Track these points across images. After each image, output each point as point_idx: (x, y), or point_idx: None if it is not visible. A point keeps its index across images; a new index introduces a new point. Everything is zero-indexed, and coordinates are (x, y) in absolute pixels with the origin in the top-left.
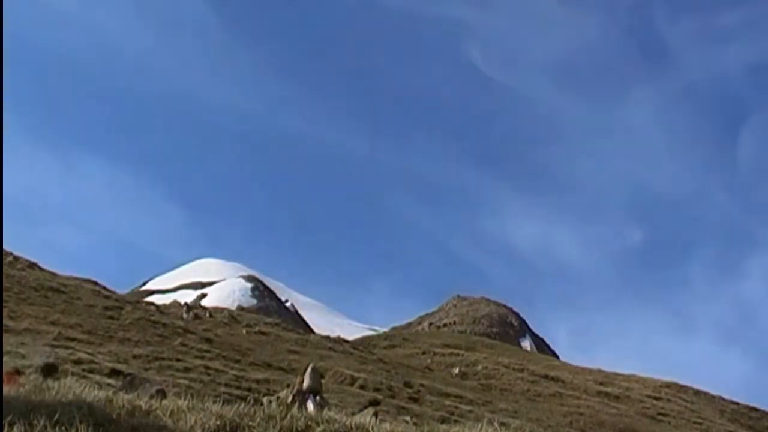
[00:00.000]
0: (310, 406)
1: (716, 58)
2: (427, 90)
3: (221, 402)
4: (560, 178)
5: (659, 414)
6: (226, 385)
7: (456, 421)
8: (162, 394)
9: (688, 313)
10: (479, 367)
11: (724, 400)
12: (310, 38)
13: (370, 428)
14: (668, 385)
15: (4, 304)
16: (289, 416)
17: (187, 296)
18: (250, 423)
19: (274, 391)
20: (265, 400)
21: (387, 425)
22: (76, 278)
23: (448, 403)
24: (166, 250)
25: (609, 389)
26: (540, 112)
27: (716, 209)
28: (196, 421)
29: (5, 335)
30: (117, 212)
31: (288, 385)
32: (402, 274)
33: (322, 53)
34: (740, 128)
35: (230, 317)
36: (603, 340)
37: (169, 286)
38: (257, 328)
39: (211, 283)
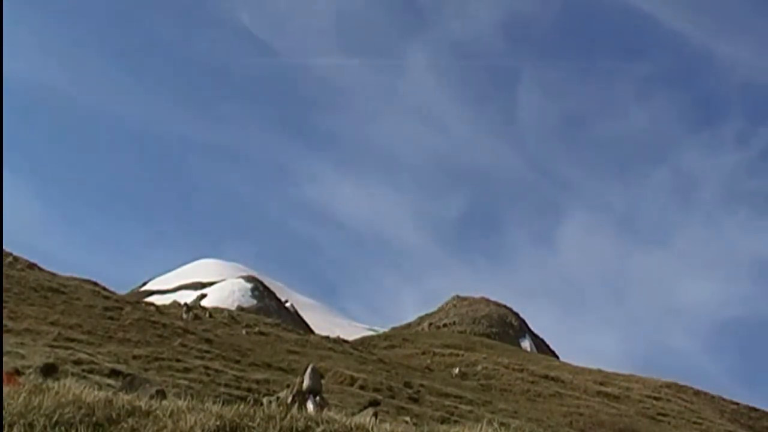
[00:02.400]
0: (310, 406)
1: (472, 13)
2: (209, 57)
3: (221, 402)
4: (352, 145)
5: (659, 414)
6: (225, 385)
7: (456, 421)
8: (162, 394)
9: (510, 279)
10: (479, 368)
11: (724, 400)
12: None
13: (370, 428)
14: (668, 385)
15: (4, 304)
16: (289, 416)
17: (187, 296)
18: (250, 423)
19: (274, 392)
20: (265, 400)
21: (387, 425)
22: (75, 278)
23: (447, 403)
24: None
25: (609, 389)
26: (318, 77)
27: (511, 172)
28: (195, 422)
29: (5, 335)
30: None
31: (288, 386)
32: (227, 245)
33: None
34: (515, 86)
35: (230, 317)
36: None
37: (168, 287)
38: (257, 329)
39: (210, 284)
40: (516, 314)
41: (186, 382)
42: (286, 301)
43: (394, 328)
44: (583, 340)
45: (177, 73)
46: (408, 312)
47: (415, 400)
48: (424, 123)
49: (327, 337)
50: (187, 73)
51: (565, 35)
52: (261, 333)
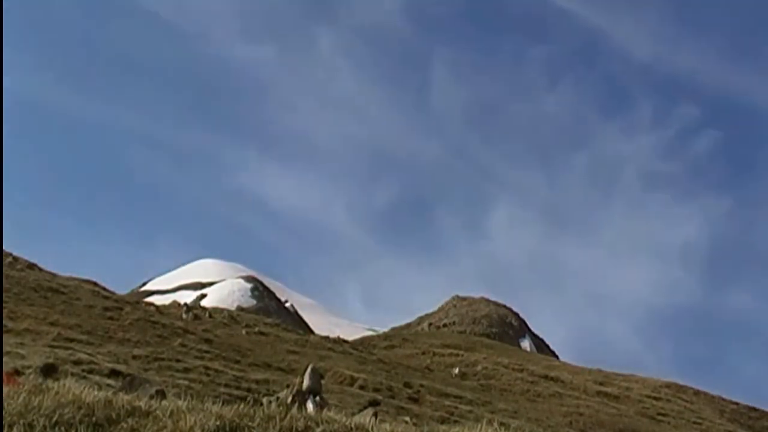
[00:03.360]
0: (310, 406)
1: None
2: (121, 43)
3: (221, 402)
4: (276, 134)
5: (659, 414)
6: (225, 385)
7: (456, 421)
8: (161, 394)
9: (446, 269)
10: (479, 368)
11: (723, 400)
12: None
13: (369, 428)
14: (668, 385)
15: (4, 304)
16: (288, 417)
17: (187, 297)
18: (250, 423)
19: (274, 392)
20: (264, 400)
21: (387, 425)
22: (75, 279)
23: (447, 403)
24: None
25: (608, 389)
26: (233, 64)
27: (433, 159)
28: (195, 422)
29: (5, 335)
30: None
31: (288, 386)
32: (165, 238)
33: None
34: (427, 70)
35: (230, 318)
36: (369, 298)
37: (168, 287)
38: (257, 329)
39: (210, 284)
40: (516, 314)
41: (186, 382)
42: (286, 301)
43: (393, 328)
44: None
45: (90, 61)
46: (348, 299)
47: (415, 400)
48: (341, 110)
49: (327, 337)
50: (97, 61)
51: (472, 17)
52: (261, 333)
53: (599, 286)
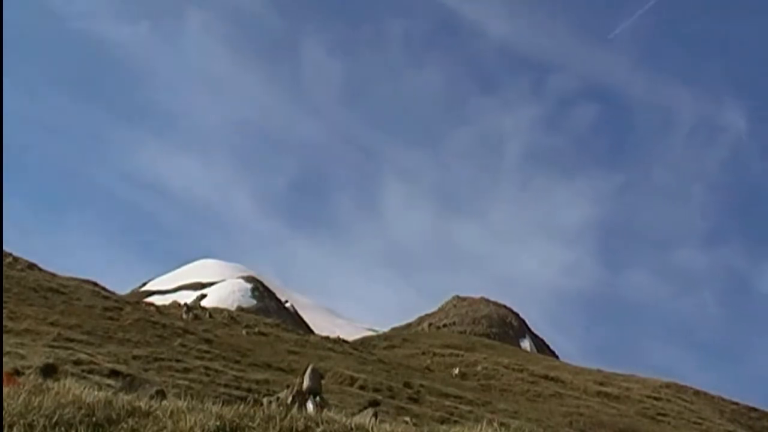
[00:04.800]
0: (310, 406)
1: None
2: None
3: (221, 403)
4: (164, 117)
5: (659, 414)
6: (225, 385)
7: (456, 421)
8: (161, 394)
9: (348, 251)
10: (479, 368)
11: (723, 400)
12: None
13: (369, 429)
14: (668, 385)
15: (4, 304)
16: (288, 417)
17: (187, 297)
18: (250, 424)
19: (274, 392)
20: (264, 400)
21: (387, 426)
22: (75, 279)
23: (447, 403)
24: None
25: (609, 389)
26: (111, 45)
27: (317, 140)
28: (195, 422)
29: (5, 336)
30: None
31: (288, 386)
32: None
33: None
34: (297, 49)
35: (230, 318)
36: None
37: (168, 287)
38: (257, 329)
39: (210, 284)
40: (516, 314)
41: (186, 383)
42: (286, 302)
43: (393, 329)
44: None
45: None
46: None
47: (415, 401)
48: (223, 92)
49: (327, 338)
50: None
51: None
52: (261, 333)
53: (499, 269)
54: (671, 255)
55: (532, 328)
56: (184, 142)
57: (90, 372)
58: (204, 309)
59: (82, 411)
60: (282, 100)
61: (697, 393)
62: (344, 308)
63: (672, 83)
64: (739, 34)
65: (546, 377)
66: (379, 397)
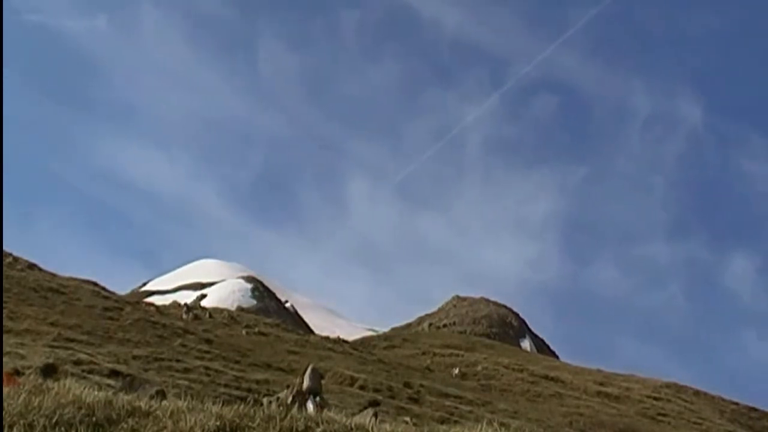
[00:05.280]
0: (310, 406)
1: None
2: None
3: (221, 403)
4: (129, 112)
5: (659, 414)
6: (225, 385)
7: (456, 421)
8: (162, 394)
9: (317, 245)
10: (479, 368)
11: (723, 400)
12: None
13: (370, 429)
14: (668, 385)
15: (4, 304)
16: (288, 417)
17: (187, 297)
18: (250, 424)
19: (274, 392)
20: (264, 400)
21: (387, 426)
22: (75, 279)
23: (447, 403)
24: None
25: (609, 389)
26: (67, 39)
27: (280, 134)
28: (195, 422)
29: (5, 336)
30: None
31: (288, 386)
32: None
33: None
34: (253, 43)
35: (230, 318)
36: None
37: (168, 287)
38: (257, 329)
39: (210, 284)
40: (516, 314)
41: (186, 383)
42: (286, 302)
43: (393, 329)
44: (396, 308)
45: None
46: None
47: (415, 401)
48: (183, 86)
49: (327, 338)
50: None
51: None
52: (261, 333)
53: (467, 264)
54: (637, 248)
55: (532, 329)
56: (146, 137)
57: (90, 372)
58: (204, 309)
59: (82, 411)
60: (242, 95)
61: (697, 393)
62: (325, 303)
63: (626, 75)
64: (693, 26)
65: (546, 377)
66: (379, 397)
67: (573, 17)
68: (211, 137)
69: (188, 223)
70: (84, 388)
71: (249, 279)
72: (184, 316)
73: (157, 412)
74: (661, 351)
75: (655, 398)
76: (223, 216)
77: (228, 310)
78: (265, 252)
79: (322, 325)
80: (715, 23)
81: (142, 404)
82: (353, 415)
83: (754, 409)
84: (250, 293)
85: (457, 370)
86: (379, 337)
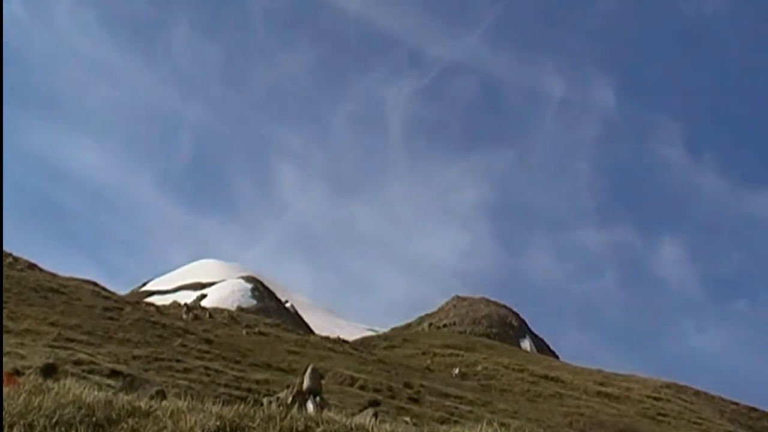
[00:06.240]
0: (310, 406)
1: None
2: None
3: (221, 403)
4: (50, 98)
5: (659, 414)
6: (225, 385)
7: (456, 421)
8: (162, 394)
9: (247, 223)
10: (479, 368)
11: (724, 400)
12: None
13: (370, 429)
14: (668, 385)
15: (4, 304)
16: (288, 417)
17: (187, 297)
18: (250, 424)
19: (274, 392)
20: (264, 400)
21: (387, 426)
22: (75, 279)
23: (448, 403)
24: None
25: (609, 389)
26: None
27: (202, 122)
28: (195, 422)
29: (5, 335)
30: None
31: (288, 386)
32: None
33: None
34: (167, 31)
35: (230, 318)
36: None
37: (168, 287)
38: (257, 329)
39: (210, 284)
40: (516, 314)
41: (186, 383)
42: (286, 302)
43: (393, 329)
44: (336, 297)
45: None
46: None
47: (415, 401)
48: (102, 74)
49: (327, 338)
50: None
51: None
52: (261, 333)
53: (400, 252)
54: (567, 235)
55: (533, 329)
56: (75, 126)
57: (90, 372)
58: (204, 309)
59: (82, 411)
60: (163, 84)
61: (697, 393)
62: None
63: (539, 59)
64: (602, 9)
65: (546, 377)
66: (379, 397)
67: (482, 2)
68: (139, 127)
69: (127, 213)
70: (84, 388)
71: (249, 279)
72: (184, 316)
73: (157, 412)
74: (600, 339)
75: (655, 398)
76: (161, 205)
77: (228, 310)
78: (208, 241)
79: (322, 325)
80: (624, 5)
81: (142, 404)
82: (353, 415)
83: (754, 409)
84: (250, 293)
85: (457, 370)
86: (379, 337)
